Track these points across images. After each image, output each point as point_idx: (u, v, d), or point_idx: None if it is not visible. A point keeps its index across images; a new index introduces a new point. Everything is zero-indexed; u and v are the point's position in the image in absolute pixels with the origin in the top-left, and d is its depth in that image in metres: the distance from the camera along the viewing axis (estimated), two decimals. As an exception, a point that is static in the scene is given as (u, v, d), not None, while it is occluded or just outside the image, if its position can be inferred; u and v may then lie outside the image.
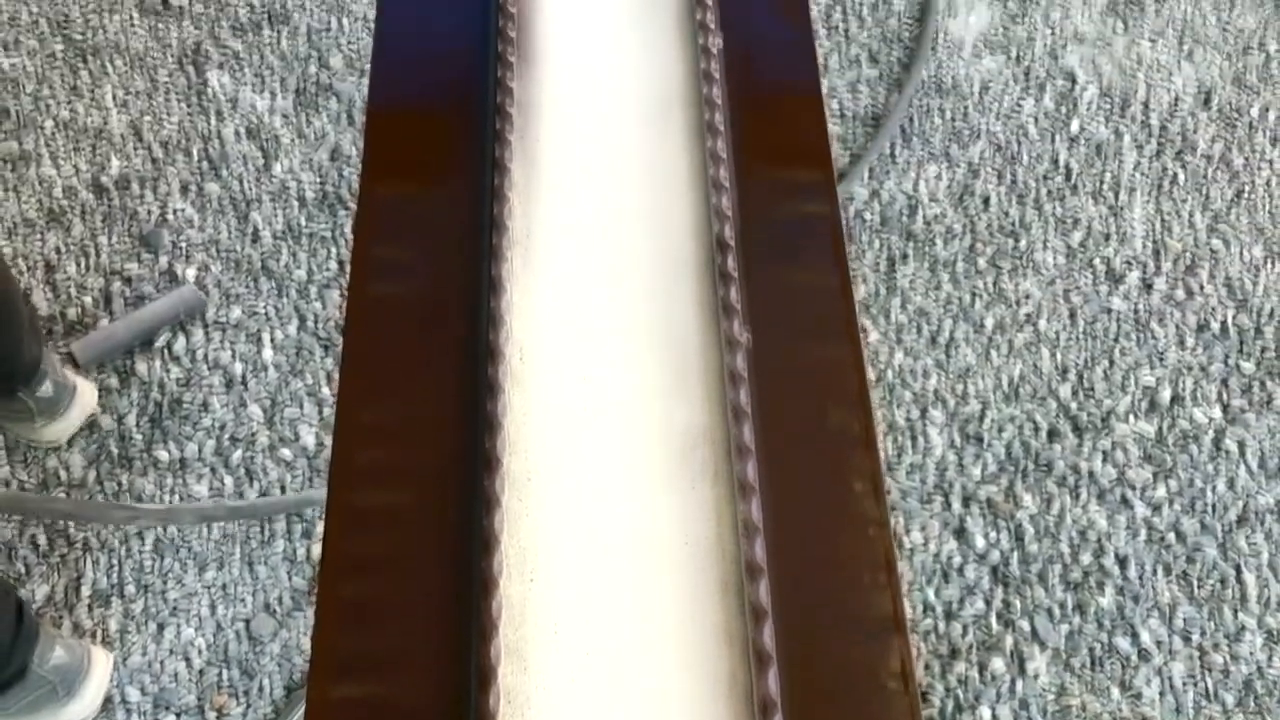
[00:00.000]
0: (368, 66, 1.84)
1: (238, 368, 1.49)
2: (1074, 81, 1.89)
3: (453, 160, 0.64)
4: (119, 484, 1.40)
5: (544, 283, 0.59)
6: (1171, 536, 1.45)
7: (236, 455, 1.43)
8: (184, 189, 1.64)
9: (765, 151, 0.66)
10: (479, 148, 0.63)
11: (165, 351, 1.49)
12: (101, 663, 1.26)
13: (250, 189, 1.65)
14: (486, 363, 0.54)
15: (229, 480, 1.41)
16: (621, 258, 0.60)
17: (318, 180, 1.67)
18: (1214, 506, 1.48)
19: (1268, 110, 1.87)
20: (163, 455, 1.42)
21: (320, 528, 1.38)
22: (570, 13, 0.71)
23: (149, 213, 1.62)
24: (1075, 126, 1.84)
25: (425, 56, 0.71)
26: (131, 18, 1.81)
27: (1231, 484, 1.50)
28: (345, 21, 1.86)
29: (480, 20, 0.70)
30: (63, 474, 1.40)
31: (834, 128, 1.83)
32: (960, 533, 1.45)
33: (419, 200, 0.64)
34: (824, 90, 1.86)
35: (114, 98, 1.73)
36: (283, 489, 1.41)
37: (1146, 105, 1.87)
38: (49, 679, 1.20)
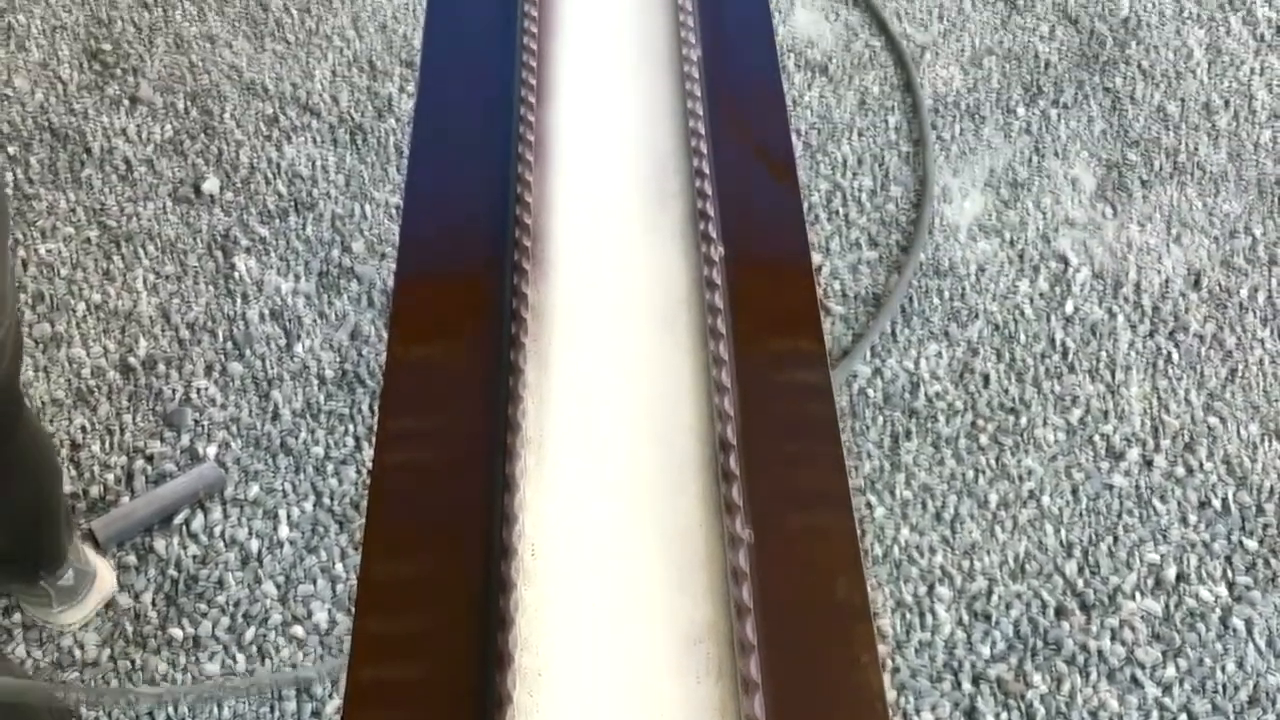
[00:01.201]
0: (389, 250, 1.93)
1: (254, 545, 1.51)
2: (1067, 264, 1.96)
3: (470, 362, 0.68)
4: (132, 663, 1.41)
5: (556, 481, 0.62)
6: (1184, 717, 1.44)
7: (250, 633, 1.44)
8: (208, 369, 1.70)
9: (764, 352, 0.70)
10: (495, 349, 0.68)
11: (184, 529, 1.52)
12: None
13: (272, 368, 1.71)
14: (499, 559, 0.57)
15: (241, 658, 1.42)
16: (629, 456, 0.64)
17: (337, 359, 1.73)
18: (1224, 687, 1.47)
19: (1257, 291, 1.93)
20: (176, 633, 1.43)
21: (330, 707, 1.38)
22: (582, 223, 0.76)
23: (173, 392, 1.67)
24: (1070, 307, 1.90)
25: (445, 265, 0.76)
26: (165, 206, 1.91)
27: (1241, 663, 1.49)
28: (368, 208, 1.95)
29: (499, 228, 0.75)
30: (77, 653, 1.41)
31: (837, 308, 1.89)
32: (971, 713, 1.44)
33: (438, 395, 0.68)
34: (826, 271, 1.93)
35: (144, 282, 1.80)
36: (294, 666, 1.42)
37: (1138, 287, 1.93)
38: None
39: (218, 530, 1.52)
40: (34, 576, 1.35)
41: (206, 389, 1.68)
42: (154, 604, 1.46)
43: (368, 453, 1.63)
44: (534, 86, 0.84)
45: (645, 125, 0.82)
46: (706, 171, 0.78)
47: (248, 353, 1.72)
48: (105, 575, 1.42)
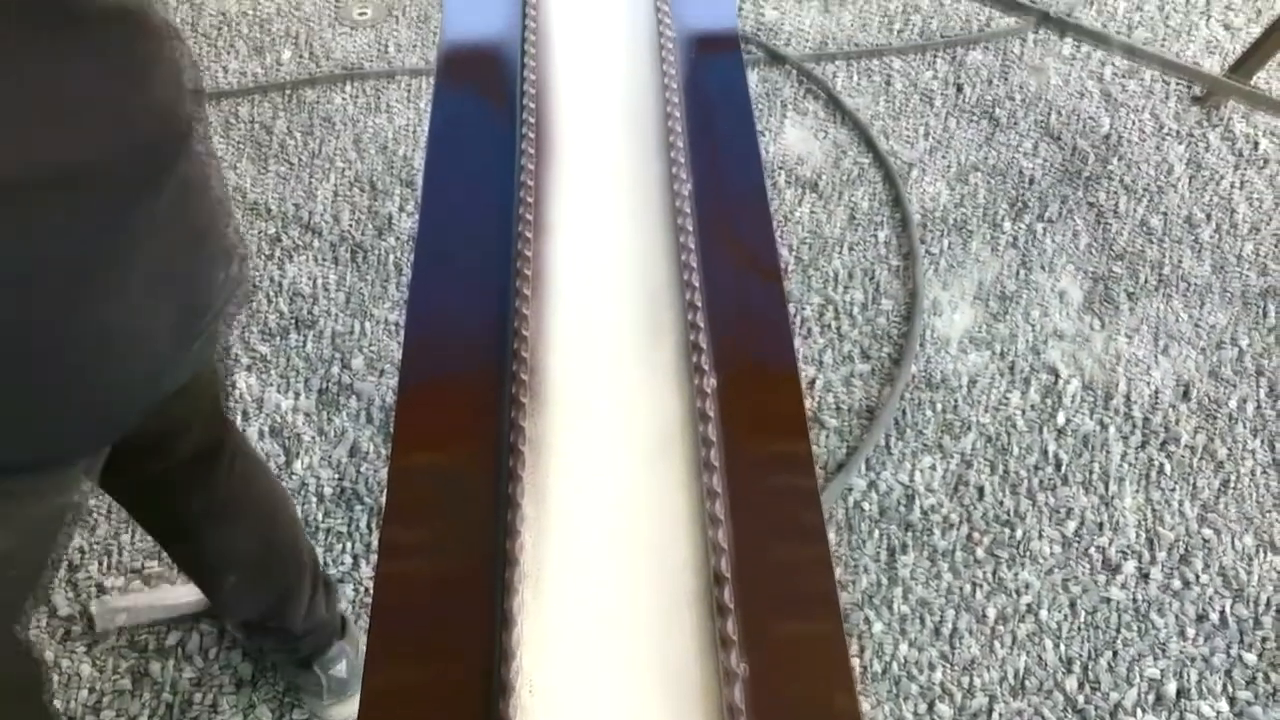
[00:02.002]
0: (388, 366, 1.94)
1: (247, 668, 1.50)
2: (1057, 376, 1.99)
3: (469, 494, 0.69)
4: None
5: (553, 616, 0.63)
6: (1192, 839, 1.42)
7: (241, 757, 1.42)
8: (206, 486, 1.71)
9: (758, 482, 0.71)
10: (494, 483, 0.69)
11: (179, 650, 1.51)
12: None
13: (269, 486, 1.71)
14: (498, 698, 0.57)
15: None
16: (625, 590, 0.65)
17: (336, 476, 1.74)
18: (1232, 806, 1.45)
19: (1245, 402, 1.96)
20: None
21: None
22: (578, 356, 0.78)
23: (170, 510, 1.67)
24: (1061, 419, 1.92)
25: (444, 398, 0.78)
26: (167, 324, 1.93)
27: (1248, 782, 1.48)
28: (368, 325, 1.98)
29: (498, 360, 0.77)
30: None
31: (831, 420, 1.91)
32: (975, 836, 1.42)
33: (437, 529, 0.69)
34: (820, 384, 1.96)
35: (145, 399, 1.82)
36: (285, 793, 1.40)
37: (1128, 398, 1.95)
38: None
39: (213, 653, 1.51)
40: (297, 651, 1.33)
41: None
42: (146, 728, 1.44)
43: (365, 570, 1.63)
44: (530, 221, 0.87)
45: (639, 257, 0.85)
46: (699, 304, 0.80)
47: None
48: None
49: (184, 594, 1.53)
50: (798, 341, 2.07)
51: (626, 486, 0.70)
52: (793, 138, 2.46)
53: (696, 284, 0.82)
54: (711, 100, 1.02)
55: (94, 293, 0.68)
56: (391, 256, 2.10)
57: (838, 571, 1.69)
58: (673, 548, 0.67)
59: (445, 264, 0.88)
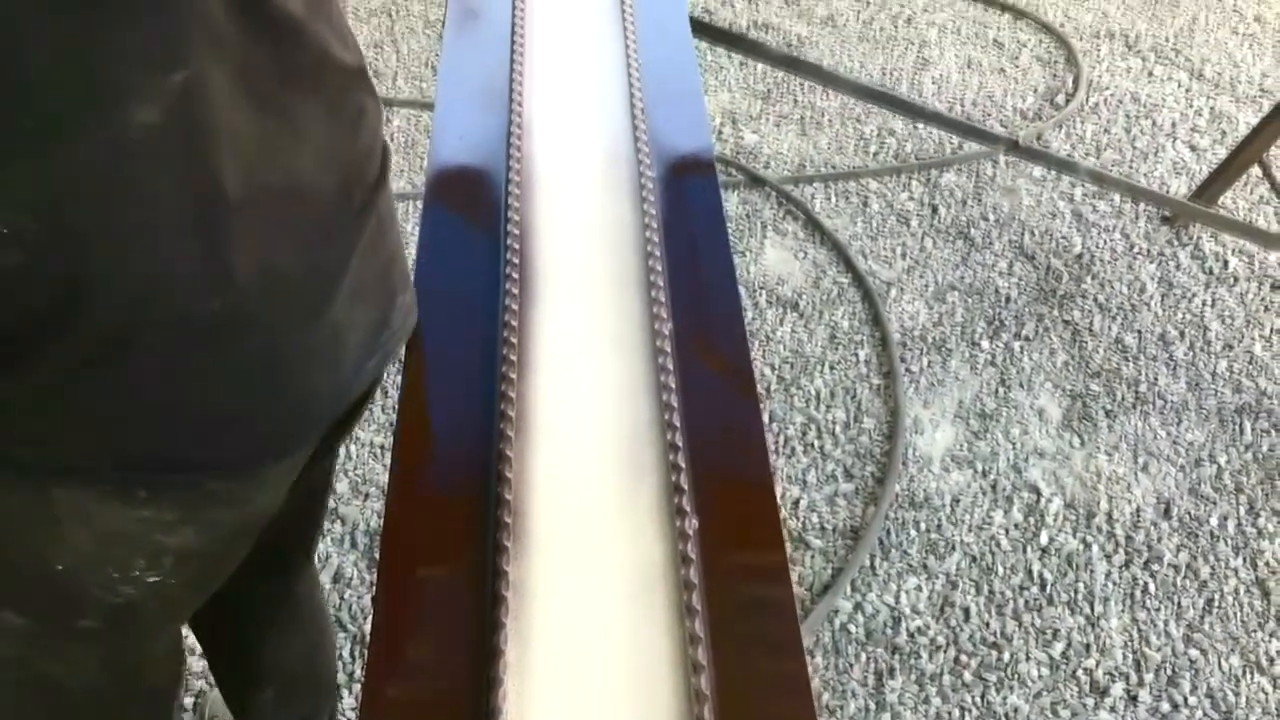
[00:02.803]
0: (372, 490, 1.93)
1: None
2: (1039, 494, 2.00)
3: (454, 642, 0.70)
4: None
5: (536, 769, 0.63)
6: None
7: None
8: (186, 614, 1.69)
9: (738, 624, 0.71)
10: (479, 630, 0.69)
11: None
12: None
13: (250, 613, 1.70)
14: None
15: None
16: (608, 740, 0.65)
17: (316, 603, 1.72)
18: None
19: (1226, 520, 1.97)
20: None
21: None
22: (562, 498, 0.79)
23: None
24: (1045, 538, 1.92)
25: (430, 541, 0.78)
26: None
27: None
28: (353, 448, 1.98)
29: (483, 501, 0.78)
30: None
31: (816, 541, 1.91)
32: None
33: (421, 676, 0.69)
34: (804, 505, 1.96)
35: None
36: None
37: (1110, 517, 1.97)
38: None
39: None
40: None
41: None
42: None
43: (348, 700, 1.61)
44: (514, 362, 0.88)
45: (621, 396, 0.86)
46: (679, 444, 0.81)
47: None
48: None
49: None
50: (781, 461, 2.08)
51: (609, 631, 0.70)
52: (773, 258, 2.51)
53: (677, 424, 0.83)
54: (690, 230, 1.04)
55: (324, 303, 0.76)
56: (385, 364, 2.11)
57: (825, 697, 1.68)
58: (656, 695, 0.67)
59: (431, 405, 0.89)
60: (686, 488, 0.80)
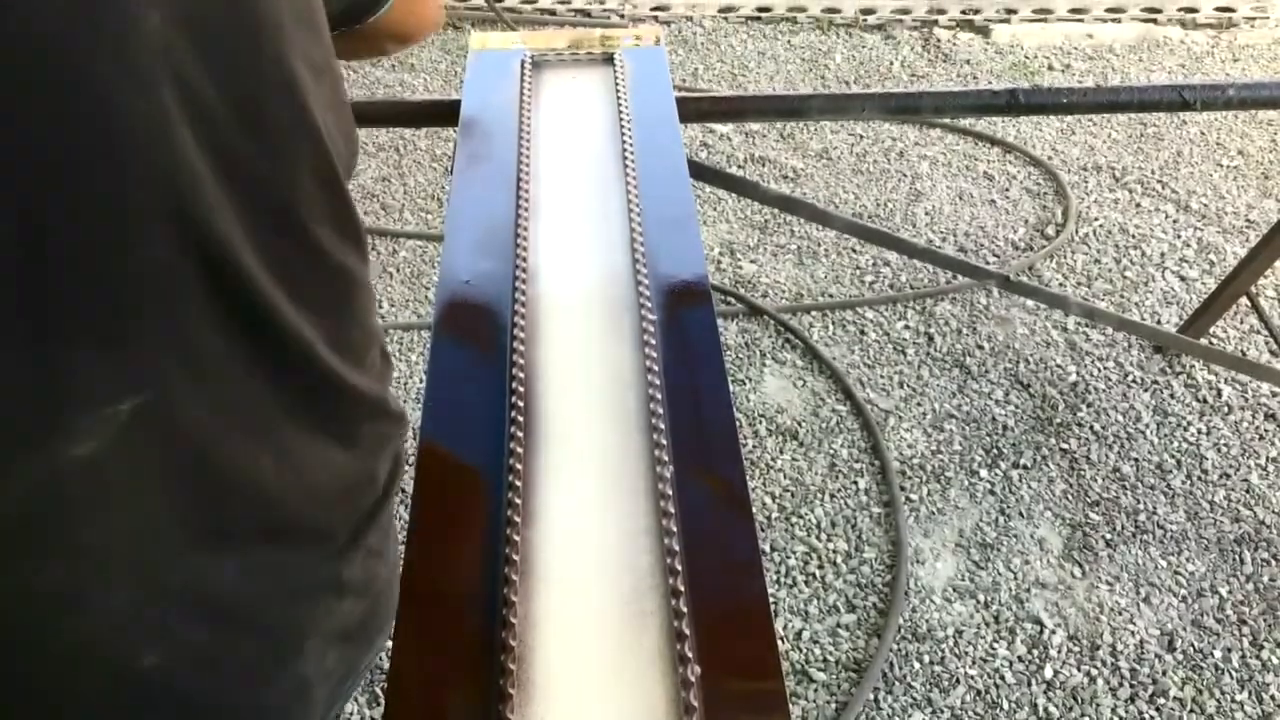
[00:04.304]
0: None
1: None
2: (1042, 626, 1.99)
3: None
4: None
5: None
6: None
7: None
8: None
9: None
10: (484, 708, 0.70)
11: None
12: None
13: None
14: None
15: None
16: None
17: None
18: None
19: (1230, 653, 1.96)
20: None
21: None
22: (564, 643, 0.80)
23: None
24: (1049, 671, 1.91)
25: (432, 690, 0.79)
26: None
27: None
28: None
29: (486, 648, 0.79)
30: None
31: (819, 675, 1.89)
32: None
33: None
34: (806, 637, 1.95)
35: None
36: None
37: (1114, 649, 1.95)
38: None
39: None
40: None
41: None
42: None
43: (341, 842, 1.58)
44: (519, 505, 0.90)
45: (623, 544, 0.88)
46: (681, 589, 0.83)
47: None
48: None
49: None
50: (783, 592, 2.07)
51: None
52: (772, 387, 2.54)
53: (680, 568, 0.85)
54: (690, 368, 1.07)
55: (289, 653, 0.69)
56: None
57: (829, 838, 1.64)
58: None
59: (437, 545, 0.91)
60: (689, 634, 0.81)
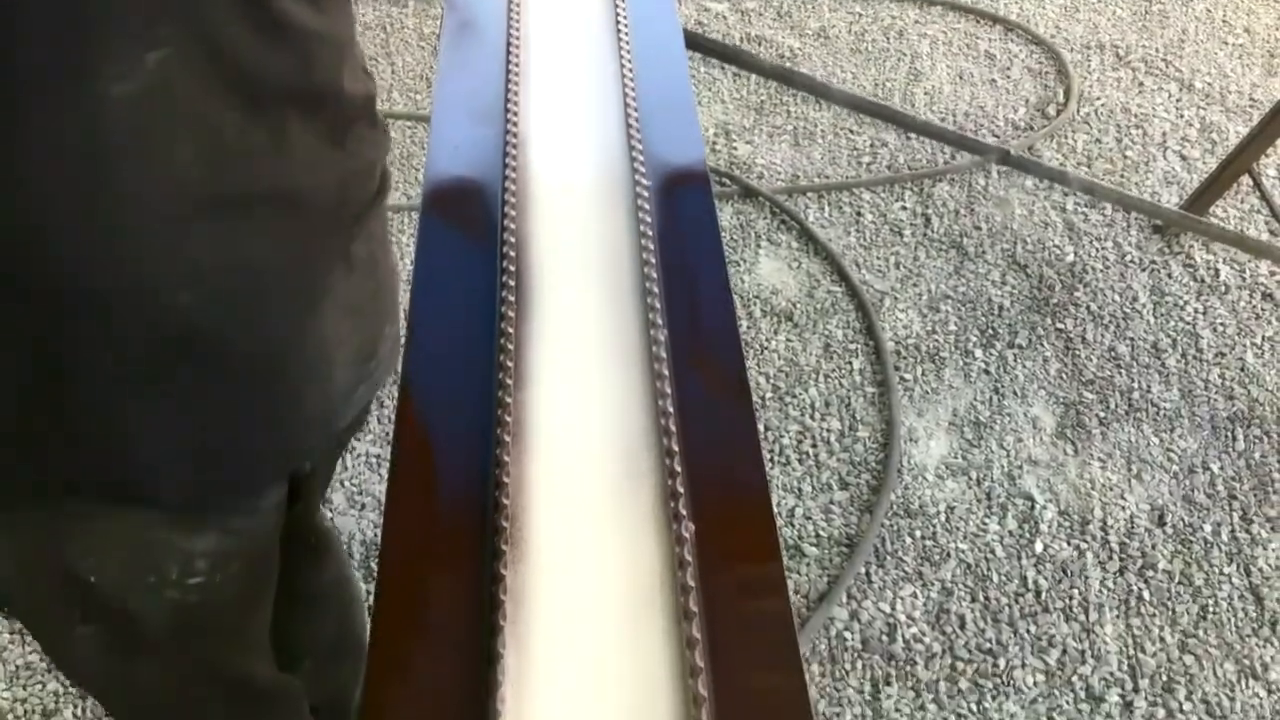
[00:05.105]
0: (369, 500, 1.94)
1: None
2: (1033, 502, 2.01)
3: (451, 645, 0.70)
4: None
5: (535, 771, 0.63)
6: None
7: None
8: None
9: (736, 629, 0.72)
10: (475, 632, 0.70)
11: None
12: None
13: (247, 625, 1.70)
14: None
15: None
16: (606, 743, 0.65)
17: (313, 614, 1.72)
18: None
19: (1220, 527, 1.98)
20: None
21: None
22: (559, 504, 0.80)
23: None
24: (1039, 546, 1.93)
25: (430, 540, 0.79)
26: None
27: None
28: (348, 459, 1.98)
29: (479, 509, 0.78)
30: None
31: (811, 550, 1.91)
32: None
33: (421, 681, 0.69)
34: (799, 514, 1.97)
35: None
36: None
37: (1104, 524, 1.97)
38: None
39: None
40: None
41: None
42: None
43: (342, 711, 1.61)
44: (511, 368, 0.89)
45: (617, 406, 0.87)
46: (676, 450, 0.82)
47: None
48: None
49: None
50: (776, 470, 2.08)
51: (607, 634, 0.71)
52: (767, 269, 2.52)
53: (673, 429, 0.84)
54: (685, 241, 1.05)
55: (309, 311, 0.76)
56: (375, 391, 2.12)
57: (821, 706, 1.68)
58: (654, 697, 0.67)
59: (427, 414, 0.90)
60: (683, 492, 0.80)
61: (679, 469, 0.82)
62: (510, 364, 0.91)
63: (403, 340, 0.92)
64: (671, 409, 0.87)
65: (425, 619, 0.74)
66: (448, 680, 0.71)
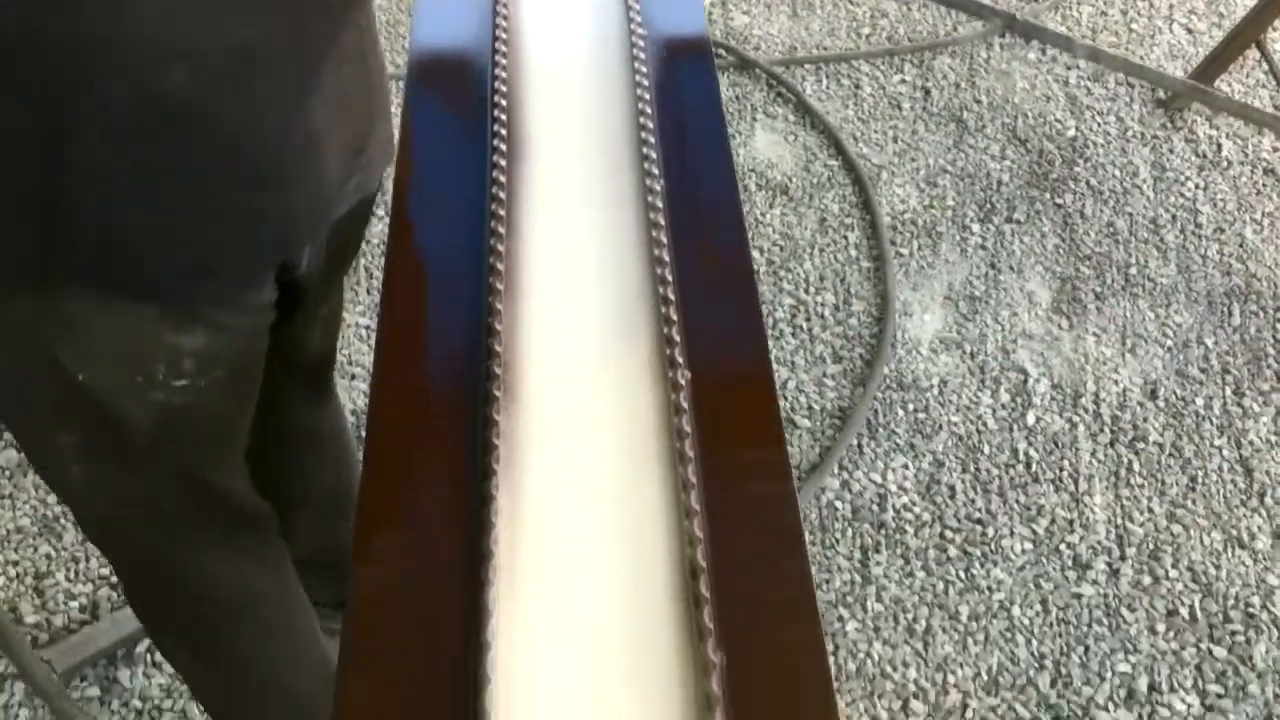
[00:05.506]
0: (358, 370, 1.93)
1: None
2: (1026, 376, 2.00)
3: (445, 489, 0.69)
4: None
5: (529, 608, 0.63)
6: (1164, 832, 1.44)
7: (213, 765, 1.41)
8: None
9: (732, 473, 0.71)
10: (469, 477, 0.69)
11: (148, 658, 1.49)
12: None
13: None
14: (475, 690, 0.57)
15: (204, 792, 1.39)
16: (602, 582, 0.64)
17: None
18: (1203, 799, 1.47)
19: (1212, 401, 1.98)
20: (137, 767, 1.40)
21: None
22: (553, 350, 0.78)
23: (139, 517, 1.65)
24: (1031, 418, 1.93)
25: (421, 388, 0.78)
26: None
27: (1218, 775, 1.49)
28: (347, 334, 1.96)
29: (472, 356, 0.77)
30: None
31: (804, 421, 1.92)
32: (950, 833, 1.43)
33: (412, 522, 0.69)
34: (792, 385, 1.96)
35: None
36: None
37: (1097, 397, 1.97)
38: None
39: (183, 659, 1.50)
40: (340, 591, 1.37)
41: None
42: (117, 737, 1.43)
43: (336, 576, 1.62)
44: (503, 217, 0.86)
45: (613, 255, 0.85)
46: (672, 298, 0.80)
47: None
48: None
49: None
50: (769, 343, 2.07)
51: (602, 479, 0.70)
52: (763, 142, 2.47)
53: (670, 278, 0.82)
54: (683, 102, 1.02)
55: (300, 96, 0.76)
56: (362, 261, 2.09)
57: (811, 572, 1.70)
58: (649, 539, 0.67)
59: (417, 265, 0.88)
60: (679, 340, 0.79)
61: (675, 318, 0.80)
62: (502, 213, 0.89)
63: (394, 145, 0.91)
64: (668, 258, 0.85)
65: (417, 462, 0.73)
66: (440, 524, 0.70)
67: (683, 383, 0.75)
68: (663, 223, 0.88)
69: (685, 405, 0.74)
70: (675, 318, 0.80)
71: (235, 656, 1.13)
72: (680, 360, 0.76)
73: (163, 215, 0.74)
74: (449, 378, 0.76)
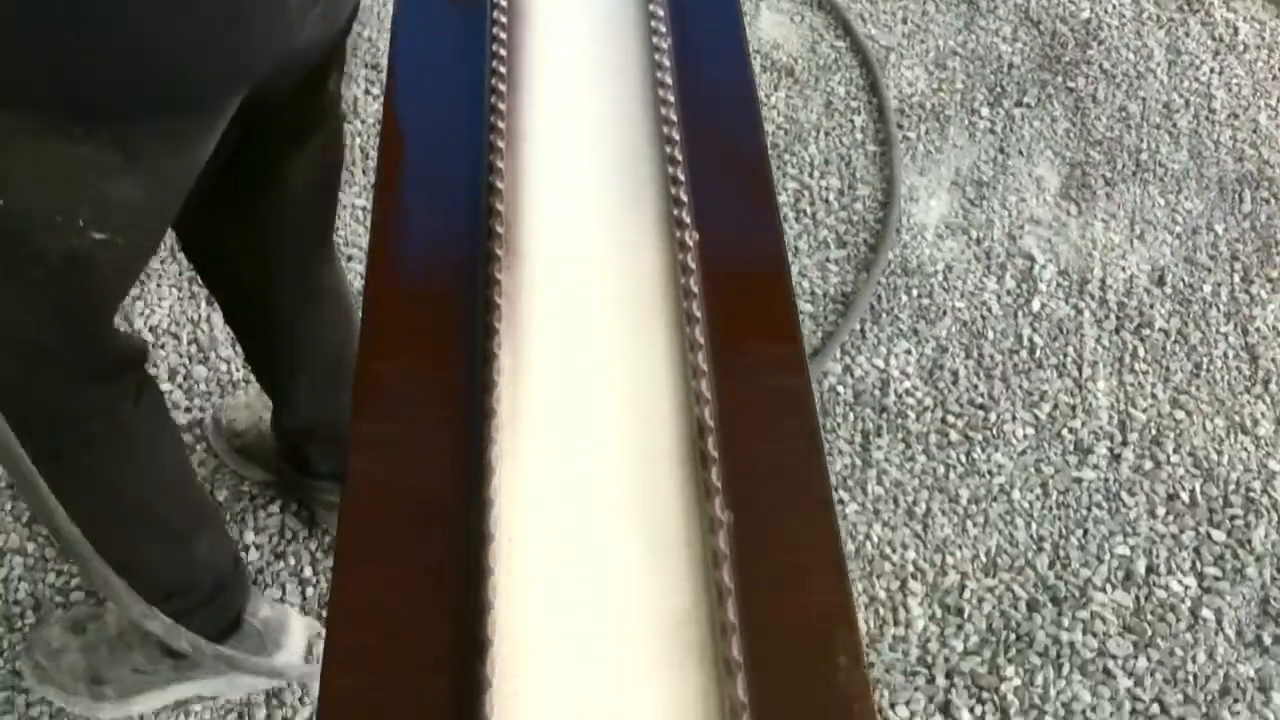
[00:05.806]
0: (355, 252, 1.90)
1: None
2: (1033, 262, 1.98)
3: (446, 349, 0.67)
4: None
5: (533, 467, 0.62)
6: (1156, 708, 1.45)
7: None
8: (172, 373, 1.68)
9: (740, 334, 0.69)
10: (470, 335, 0.67)
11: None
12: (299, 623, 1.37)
13: (238, 371, 1.69)
14: (478, 548, 0.56)
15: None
16: (606, 442, 0.63)
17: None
18: (1195, 677, 1.48)
19: (1220, 288, 1.96)
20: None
21: (302, 716, 1.36)
22: (556, 210, 0.76)
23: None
24: (1036, 304, 1.91)
25: (420, 249, 0.75)
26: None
27: (1211, 654, 1.50)
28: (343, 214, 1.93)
29: (473, 217, 0.74)
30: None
31: (806, 306, 1.90)
32: (946, 707, 1.44)
33: (413, 381, 0.67)
34: (795, 271, 1.94)
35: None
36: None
37: (1103, 284, 1.95)
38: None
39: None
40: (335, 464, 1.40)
41: (171, 393, 1.65)
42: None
43: (336, 456, 1.62)
44: (504, 75, 0.83)
45: (619, 113, 0.82)
46: (680, 158, 0.77)
47: (213, 356, 1.70)
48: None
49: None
50: (773, 228, 2.04)
51: (608, 338, 0.68)
52: (769, 22, 2.40)
53: (677, 138, 0.79)
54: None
55: None
56: (357, 141, 2.04)
57: (812, 455, 1.69)
58: (655, 398, 0.65)
59: (416, 125, 0.85)
60: (687, 200, 0.76)
61: (682, 178, 0.78)
62: (503, 69, 0.85)
63: None
64: (675, 118, 0.82)
65: (417, 320, 0.71)
66: (441, 383, 0.68)
67: (690, 243, 0.72)
68: (670, 82, 0.85)
69: (693, 265, 0.72)
70: (683, 178, 0.77)
71: (97, 481, 1.12)
72: (688, 220, 0.74)
73: (120, 26, 0.73)
74: (449, 238, 0.74)
